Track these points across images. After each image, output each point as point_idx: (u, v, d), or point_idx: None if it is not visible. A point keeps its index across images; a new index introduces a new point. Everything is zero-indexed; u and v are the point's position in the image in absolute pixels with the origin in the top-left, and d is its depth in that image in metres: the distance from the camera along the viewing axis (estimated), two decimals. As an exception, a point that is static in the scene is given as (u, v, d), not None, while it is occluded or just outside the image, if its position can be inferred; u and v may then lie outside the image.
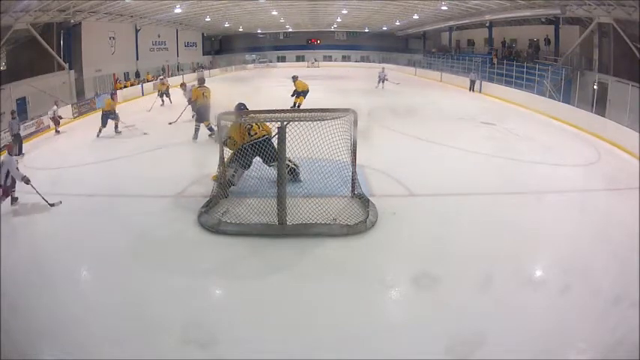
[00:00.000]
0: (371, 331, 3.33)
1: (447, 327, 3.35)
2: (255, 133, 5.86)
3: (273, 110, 5.52)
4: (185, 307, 3.66)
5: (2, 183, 5.69)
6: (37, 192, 5.78)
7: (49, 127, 11.58)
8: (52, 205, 5.78)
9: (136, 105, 15.59)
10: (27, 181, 5.84)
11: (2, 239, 4.43)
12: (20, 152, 8.88)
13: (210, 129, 9.35)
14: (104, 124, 10.29)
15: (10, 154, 6.03)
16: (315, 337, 3.31)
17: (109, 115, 10.36)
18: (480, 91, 18.33)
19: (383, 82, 18.83)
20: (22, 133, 10.41)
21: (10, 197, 5.90)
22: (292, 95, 12.32)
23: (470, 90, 18.97)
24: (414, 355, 3.08)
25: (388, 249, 4.68)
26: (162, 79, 17.09)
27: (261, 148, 5.74)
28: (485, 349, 3.04)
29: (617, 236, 4.88)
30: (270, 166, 5.87)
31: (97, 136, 10.13)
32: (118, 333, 3.31)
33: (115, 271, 4.23)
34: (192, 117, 10.62)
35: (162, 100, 14.90)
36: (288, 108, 10.73)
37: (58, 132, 11.67)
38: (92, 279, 4.31)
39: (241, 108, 6.35)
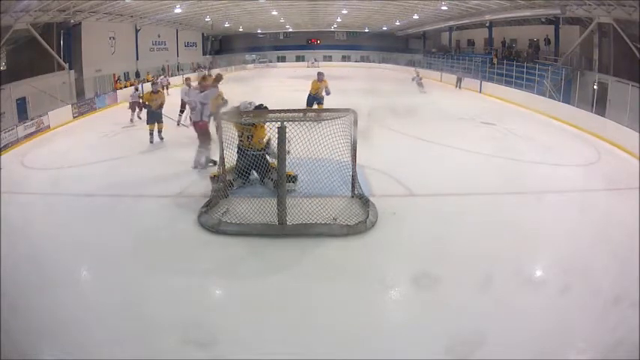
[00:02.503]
0: (371, 331, 3.32)
1: (447, 327, 3.34)
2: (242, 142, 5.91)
3: (273, 110, 5.52)
4: (185, 307, 3.66)
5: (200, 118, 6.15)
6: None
7: (48, 127, 11.57)
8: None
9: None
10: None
11: (2, 239, 4.42)
12: None
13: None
14: (153, 121, 9.05)
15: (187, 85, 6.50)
16: (315, 337, 3.30)
17: (159, 109, 9.13)
18: (480, 92, 18.37)
19: (421, 85, 18.46)
20: (23, 133, 10.43)
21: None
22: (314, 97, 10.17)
23: (456, 87, 20.04)
24: (414, 355, 3.07)
25: (388, 249, 4.68)
26: (205, 70, 16.69)
27: (256, 161, 5.80)
28: (485, 349, 3.04)
29: (617, 236, 4.87)
30: (263, 181, 6.06)
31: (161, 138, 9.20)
32: (118, 333, 3.30)
33: (114, 271, 4.23)
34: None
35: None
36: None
37: (138, 117, 11.18)
38: (92, 279, 4.31)
39: (260, 107, 6.31)
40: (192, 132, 9.48)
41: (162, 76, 20.93)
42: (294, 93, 11.62)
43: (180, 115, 10.82)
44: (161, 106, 9.10)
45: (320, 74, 10.49)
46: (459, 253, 4.45)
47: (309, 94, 10.31)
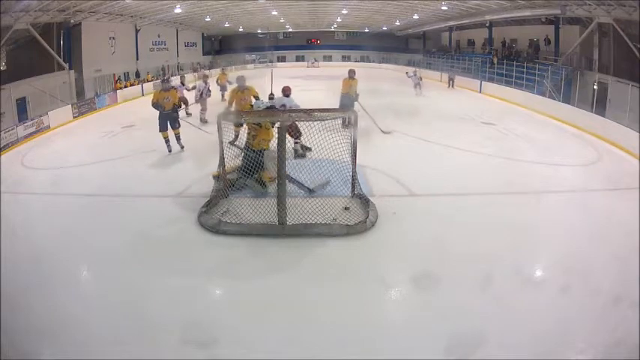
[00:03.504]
0: (371, 331, 3.33)
1: (447, 327, 3.35)
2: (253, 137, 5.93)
3: (278, 111, 5.53)
4: (185, 307, 3.66)
5: None
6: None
7: (48, 127, 11.57)
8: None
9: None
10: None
11: (2, 239, 4.42)
12: None
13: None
14: (165, 127, 7.85)
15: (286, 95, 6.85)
16: (315, 337, 3.30)
17: (173, 112, 7.80)
18: (481, 92, 18.37)
19: (419, 87, 17.09)
20: (23, 133, 10.42)
21: None
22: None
23: (448, 86, 20.20)
24: (414, 355, 3.07)
25: (388, 249, 4.68)
26: (223, 69, 16.51)
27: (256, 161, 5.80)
28: (485, 349, 3.04)
29: (617, 236, 4.87)
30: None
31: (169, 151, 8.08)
32: (118, 333, 3.31)
33: (114, 271, 4.23)
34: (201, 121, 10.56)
35: (223, 95, 13.36)
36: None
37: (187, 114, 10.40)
38: (92, 279, 4.31)
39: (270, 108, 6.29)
40: (202, 132, 9.49)
41: (166, 76, 20.81)
42: (299, 93, 11.49)
43: (202, 112, 10.88)
44: (174, 106, 7.92)
45: (351, 71, 9.67)
46: (459, 253, 4.44)
47: (342, 94, 9.73)
